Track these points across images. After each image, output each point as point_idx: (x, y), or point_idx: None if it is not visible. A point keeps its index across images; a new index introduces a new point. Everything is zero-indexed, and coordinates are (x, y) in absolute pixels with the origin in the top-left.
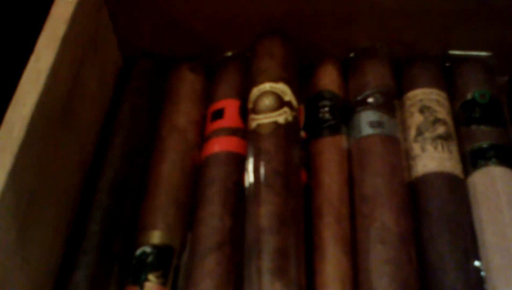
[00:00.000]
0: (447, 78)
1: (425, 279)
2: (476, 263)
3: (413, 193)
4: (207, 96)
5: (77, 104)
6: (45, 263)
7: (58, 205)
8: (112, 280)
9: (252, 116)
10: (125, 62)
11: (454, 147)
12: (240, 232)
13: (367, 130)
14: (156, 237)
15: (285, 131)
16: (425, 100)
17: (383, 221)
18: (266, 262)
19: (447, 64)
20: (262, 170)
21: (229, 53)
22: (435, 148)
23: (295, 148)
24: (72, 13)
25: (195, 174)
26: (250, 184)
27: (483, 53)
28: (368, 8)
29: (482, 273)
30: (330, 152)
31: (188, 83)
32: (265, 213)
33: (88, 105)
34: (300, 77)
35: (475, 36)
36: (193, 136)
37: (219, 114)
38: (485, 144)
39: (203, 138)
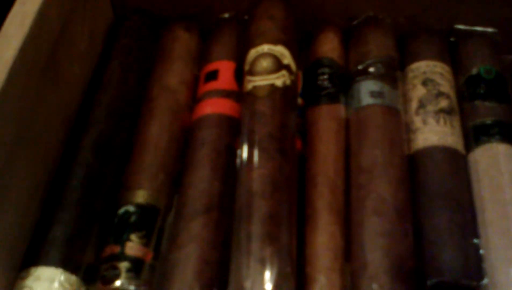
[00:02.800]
0: (452, 53)
1: (421, 255)
2: (475, 240)
3: (413, 167)
4: (201, 57)
5: (63, 57)
6: (21, 217)
7: (38, 160)
8: (92, 238)
9: (249, 78)
10: (117, 19)
11: (456, 122)
12: (229, 197)
13: (367, 100)
14: (140, 196)
15: (282, 94)
16: (429, 72)
17: (380, 192)
18: (257, 227)
19: (452, 39)
20: (256, 133)
21: (226, 15)
22: (437, 121)
23: (291, 113)
24: None
25: (185, 136)
26: (243, 147)
27: (489, 29)
28: None
29: (481, 251)
30: (327, 120)
31: (182, 43)
32: (257, 177)
33: (75, 59)
34: (301, 45)
35: (482, 12)
36: (184, 97)
37: (213, 75)
38: (488, 120)
39: (195, 100)
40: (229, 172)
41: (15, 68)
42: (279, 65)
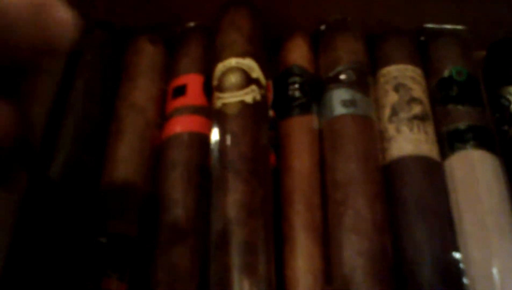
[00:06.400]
0: (422, 53)
1: (400, 272)
2: (455, 254)
3: (388, 178)
4: (168, 70)
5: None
6: None
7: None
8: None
9: (217, 94)
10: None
11: (430, 128)
12: (205, 221)
13: (339, 110)
14: (112, 226)
15: (253, 111)
16: (400, 77)
17: (357, 209)
18: (234, 257)
19: (422, 38)
20: (228, 155)
21: (191, 24)
22: (411, 129)
23: (263, 129)
24: None
25: (155, 156)
26: (215, 169)
27: (459, 27)
28: None
29: (461, 265)
30: (300, 133)
31: (147, 57)
32: (232, 202)
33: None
34: (268, 52)
35: (451, 9)
36: (153, 115)
37: (181, 90)
38: (462, 126)
39: (163, 117)
40: (203, 193)
41: None
42: (248, 80)
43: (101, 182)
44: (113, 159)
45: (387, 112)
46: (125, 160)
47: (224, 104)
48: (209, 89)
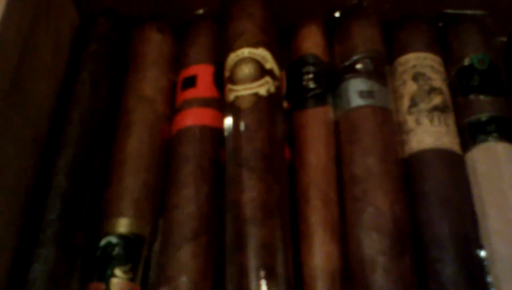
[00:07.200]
0: (441, 40)
1: (422, 270)
2: (479, 252)
3: (408, 172)
4: (177, 60)
5: (28, 76)
6: None
7: (10, 191)
8: (74, 276)
9: (230, 86)
10: (83, 21)
11: (451, 120)
12: (219, 218)
13: (356, 101)
14: (123, 225)
15: (267, 104)
16: (419, 66)
17: (377, 205)
18: (251, 258)
19: (441, 24)
20: (242, 151)
21: (200, 11)
22: (431, 121)
23: (278, 123)
24: None
25: (166, 150)
26: (229, 166)
27: (480, 12)
28: None
29: (485, 263)
30: (315, 125)
31: (155, 46)
32: (247, 201)
33: (41, 76)
34: (281, 40)
35: None
36: (162, 107)
37: (191, 81)
38: (484, 117)
39: (173, 108)
40: (216, 190)
41: None
42: (261, 71)
43: (110, 178)
44: (123, 153)
45: (406, 103)
46: (135, 154)
47: (237, 97)
48: (221, 80)
